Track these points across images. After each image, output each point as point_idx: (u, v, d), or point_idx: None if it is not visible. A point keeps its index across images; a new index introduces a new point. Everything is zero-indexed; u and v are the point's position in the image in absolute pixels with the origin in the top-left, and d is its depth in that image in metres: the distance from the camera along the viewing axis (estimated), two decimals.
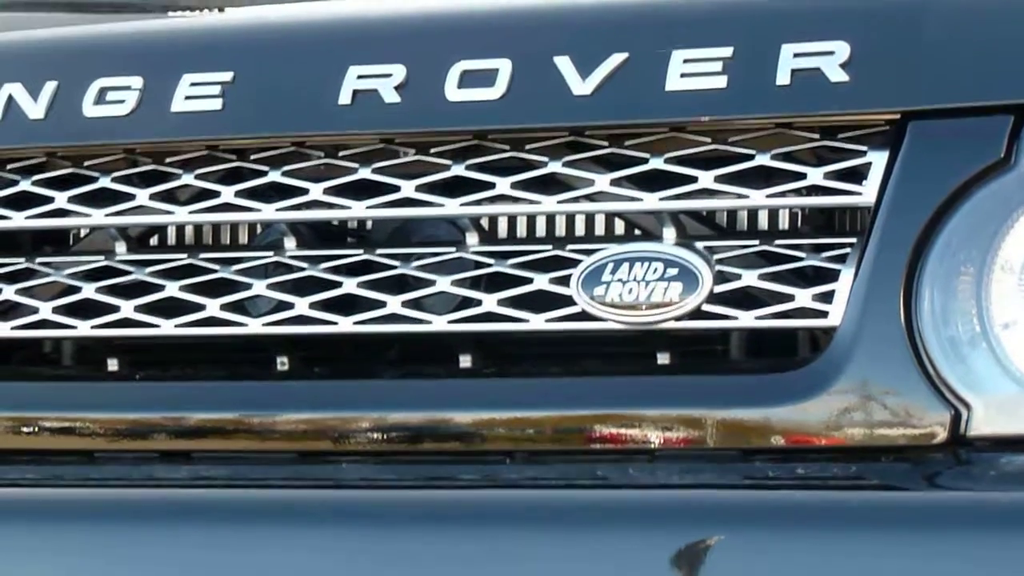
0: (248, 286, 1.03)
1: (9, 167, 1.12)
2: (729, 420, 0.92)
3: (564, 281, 0.96)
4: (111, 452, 1.07)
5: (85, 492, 1.05)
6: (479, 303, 0.97)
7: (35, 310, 1.07)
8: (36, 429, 1.08)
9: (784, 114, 0.94)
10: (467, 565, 0.87)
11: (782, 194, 0.96)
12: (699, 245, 0.95)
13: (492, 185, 0.98)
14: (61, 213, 1.08)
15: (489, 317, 0.97)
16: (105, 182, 1.08)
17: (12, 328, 1.08)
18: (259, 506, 0.99)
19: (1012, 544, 0.80)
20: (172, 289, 1.05)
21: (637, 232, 1.03)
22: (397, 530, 0.91)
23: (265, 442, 1.04)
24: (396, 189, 1.01)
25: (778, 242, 0.97)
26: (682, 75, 0.93)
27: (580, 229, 1.07)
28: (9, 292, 1.08)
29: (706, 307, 0.93)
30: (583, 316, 0.95)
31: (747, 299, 0.95)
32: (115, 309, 1.05)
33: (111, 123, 1.06)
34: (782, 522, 0.86)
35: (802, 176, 0.95)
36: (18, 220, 1.10)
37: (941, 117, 0.91)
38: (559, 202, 0.98)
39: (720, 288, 0.94)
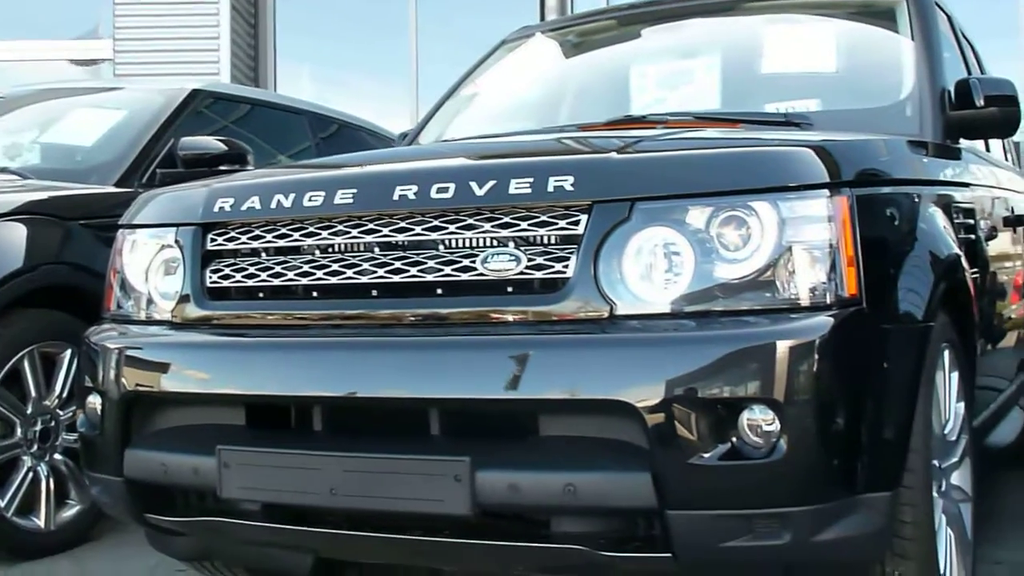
0: None
1: None
2: (528, 310, 2.35)
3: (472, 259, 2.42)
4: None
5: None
6: None
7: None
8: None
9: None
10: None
11: (556, 228, 2.41)
12: (518, 248, 2.39)
13: None
14: None
15: None
16: None
17: None
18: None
19: (617, 348, 2.25)
20: None
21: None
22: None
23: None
24: None
25: (553, 245, 2.42)
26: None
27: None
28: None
29: (527, 273, 2.39)
30: (477, 273, 2.41)
31: (541, 267, 2.38)
32: None
33: None
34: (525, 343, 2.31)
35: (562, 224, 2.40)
36: None
37: (602, 203, 2.34)
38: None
39: (531, 264, 2.39)
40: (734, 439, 2.16)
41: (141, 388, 2.67)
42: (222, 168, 4.45)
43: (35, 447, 3.88)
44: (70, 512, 3.98)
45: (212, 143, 4.64)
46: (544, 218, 2.36)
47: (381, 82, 10.22)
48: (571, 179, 2.34)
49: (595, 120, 3.59)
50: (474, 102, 4.51)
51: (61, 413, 3.96)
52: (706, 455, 2.15)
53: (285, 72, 9.95)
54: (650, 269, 2.30)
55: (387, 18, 9.83)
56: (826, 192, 2.27)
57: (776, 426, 2.14)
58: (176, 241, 2.77)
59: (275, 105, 5.95)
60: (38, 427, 3.88)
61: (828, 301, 2.23)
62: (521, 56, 4.59)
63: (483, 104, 4.52)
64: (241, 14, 9.14)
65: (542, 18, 9.12)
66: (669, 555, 2.19)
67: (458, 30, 9.64)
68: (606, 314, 2.29)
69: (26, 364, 3.84)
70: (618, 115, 3.63)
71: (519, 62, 4.59)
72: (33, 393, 3.87)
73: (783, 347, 2.16)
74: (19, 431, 3.84)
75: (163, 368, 2.66)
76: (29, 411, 3.87)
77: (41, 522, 3.89)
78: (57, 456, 3.95)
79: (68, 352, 3.93)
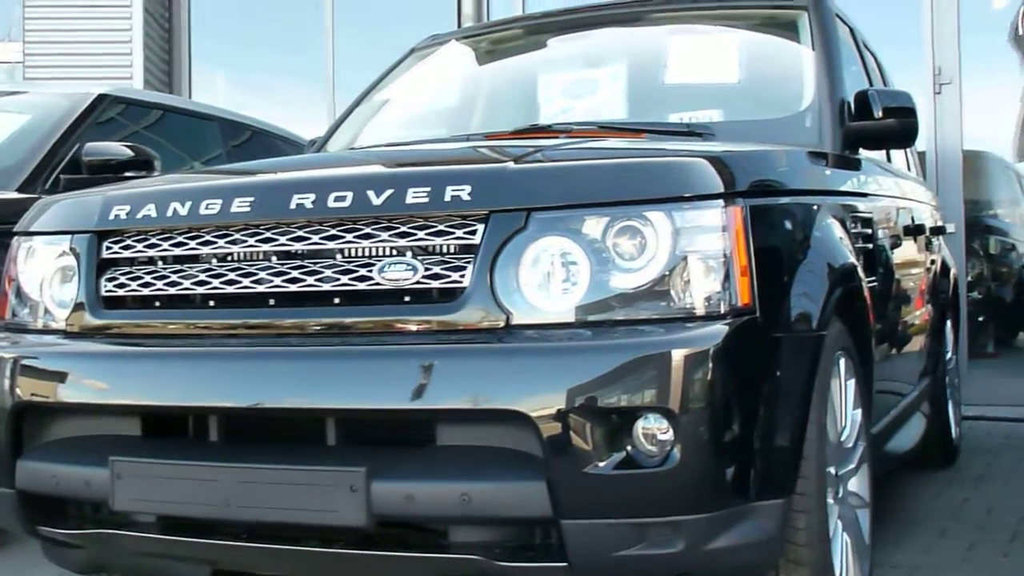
0: None
1: None
2: (426, 319, 2.35)
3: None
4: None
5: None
6: None
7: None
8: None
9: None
10: None
11: (453, 238, 2.41)
12: (415, 257, 2.38)
13: None
14: None
15: None
16: None
17: None
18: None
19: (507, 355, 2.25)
20: None
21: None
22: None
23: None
24: None
25: (450, 255, 2.41)
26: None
27: None
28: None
29: (424, 282, 2.38)
30: (374, 282, 2.40)
31: (438, 276, 2.37)
32: None
33: None
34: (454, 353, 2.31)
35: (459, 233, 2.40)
36: None
37: (499, 212, 2.36)
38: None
39: (428, 273, 2.38)
40: (629, 448, 2.18)
41: (34, 398, 2.63)
42: (128, 175, 4.38)
43: None
44: None
45: (118, 149, 4.58)
46: (441, 227, 2.36)
47: (298, 86, 10.14)
48: (468, 188, 2.34)
49: (503, 129, 3.59)
50: (385, 109, 4.49)
51: None
52: (601, 464, 2.16)
53: (200, 76, 9.82)
54: (547, 279, 2.31)
55: (304, 21, 9.75)
56: (721, 202, 2.30)
57: (670, 435, 2.16)
58: (71, 248, 2.72)
59: (185, 111, 5.87)
60: None
61: (722, 310, 2.25)
62: (432, 63, 4.59)
63: (394, 111, 4.51)
64: (154, 17, 9.02)
65: (458, 26, 9.12)
66: (564, 564, 2.20)
67: (376, 35, 9.60)
68: (502, 323, 2.29)
69: None
70: (525, 124, 3.63)
71: (431, 69, 4.59)
72: None
73: (677, 356, 2.18)
74: None
75: (57, 377, 2.62)
76: None
77: None
78: None
79: None
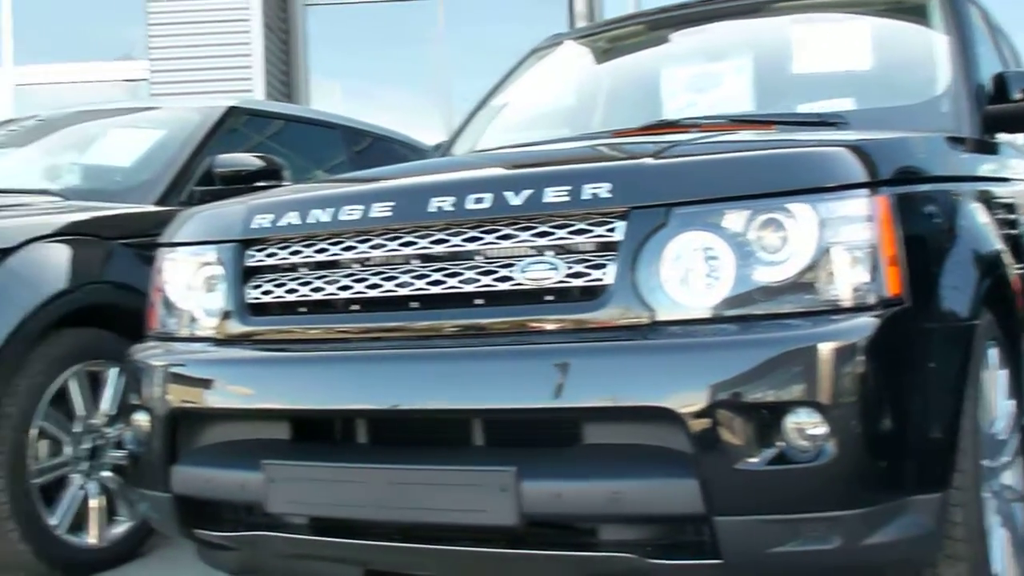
0: None
1: None
2: (567, 318, 2.34)
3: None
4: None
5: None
6: None
7: None
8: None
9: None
10: None
11: (593, 236, 2.40)
12: (556, 256, 2.38)
13: None
14: None
15: None
16: None
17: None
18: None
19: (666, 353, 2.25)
20: None
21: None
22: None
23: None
24: None
25: (590, 253, 2.40)
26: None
27: None
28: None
29: (566, 281, 2.38)
30: (516, 282, 2.42)
31: (579, 275, 2.35)
32: None
33: None
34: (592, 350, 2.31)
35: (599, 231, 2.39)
36: None
37: (639, 209, 2.34)
38: None
39: (570, 272, 2.39)
40: (780, 443, 2.15)
41: (186, 405, 2.69)
42: (258, 184, 4.47)
43: (84, 465, 3.91)
44: (120, 529, 4.01)
45: (248, 159, 4.67)
46: (581, 226, 2.36)
47: (413, 93, 10.25)
48: (608, 186, 2.34)
49: (628, 126, 3.58)
50: (506, 111, 4.52)
51: (108, 431, 3.99)
52: (753, 460, 2.14)
53: (318, 86, 10.00)
54: (689, 274, 2.29)
55: (416, 29, 9.86)
56: (866, 192, 2.26)
57: (822, 429, 2.13)
58: (216, 258, 2.79)
59: (309, 120, 5.98)
60: (86, 445, 3.92)
61: (871, 301, 2.21)
62: (552, 64, 4.60)
63: (515, 113, 4.53)
64: (273, 30, 9.20)
65: (571, 25, 9.12)
66: (718, 561, 2.18)
67: (488, 39, 9.65)
68: (646, 320, 2.28)
69: (73, 383, 3.87)
70: (651, 120, 3.62)
71: (550, 70, 4.60)
72: (80, 412, 3.91)
73: (827, 349, 2.14)
74: (68, 449, 3.87)
75: (208, 384, 2.68)
76: (77, 430, 3.90)
77: (92, 539, 3.92)
78: (105, 473, 3.98)
79: (113, 371, 3.96)
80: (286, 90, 9.54)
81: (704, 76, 4.10)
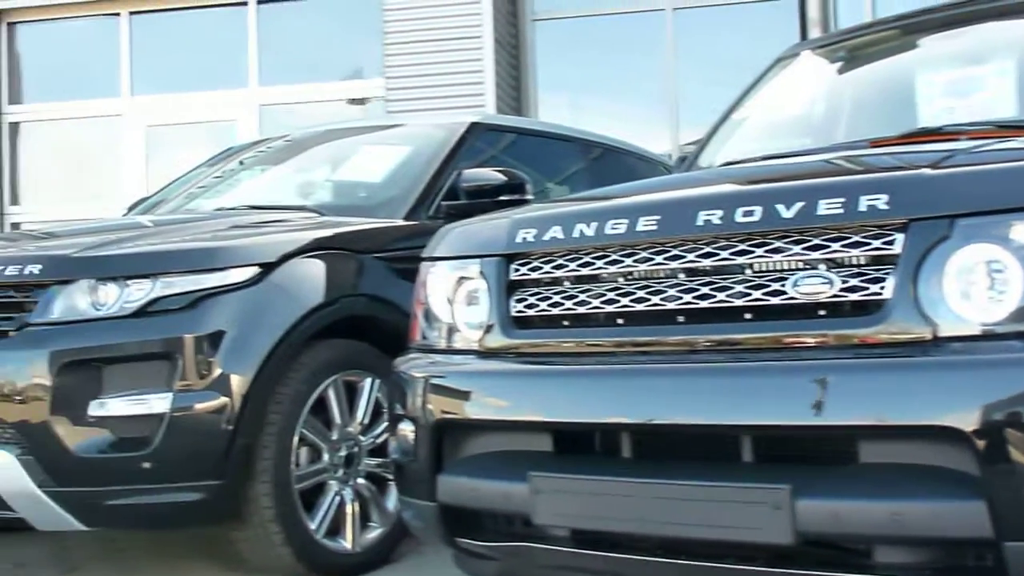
0: None
1: None
2: (840, 333, 2.29)
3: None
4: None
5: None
6: None
7: None
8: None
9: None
10: None
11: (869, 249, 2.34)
12: (829, 270, 2.34)
13: None
14: None
15: None
16: None
17: None
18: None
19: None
20: None
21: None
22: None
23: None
24: None
25: (866, 266, 2.35)
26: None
27: None
28: None
29: (840, 295, 2.33)
30: (788, 296, 2.37)
31: (855, 289, 2.31)
32: None
33: None
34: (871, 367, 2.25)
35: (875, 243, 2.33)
36: None
37: (920, 221, 2.26)
38: None
39: (845, 286, 2.33)
40: None
41: (451, 415, 2.75)
42: (502, 199, 4.55)
43: (340, 472, 4.06)
44: (373, 534, 4.14)
45: (492, 175, 4.77)
46: (856, 238, 2.30)
47: (639, 104, 10.25)
48: (885, 197, 2.28)
49: (877, 134, 3.48)
50: (748, 122, 4.45)
51: (363, 439, 4.12)
52: None
53: (545, 99, 10.12)
54: (972, 288, 2.20)
55: (644, 41, 9.85)
56: None
57: None
58: (479, 272, 2.84)
59: (545, 133, 6.05)
60: (343, 453, 4.06)
61: None
62: (792, 74, 4.51)
63: (756, 124, 4.46)
64: (503, 45, 9.36)
65: (803, 33, 8.94)
66: None
67: (717, 49, 9.56)
68: (928, 336, 2.21)
69: (331, 392, 4.02)
70: (908, 128, 3.50)
71: (790, 80, 4.51)
72: (338, 420, 4.05)
73: None
74: (326, 456, 4.02)
75: (473, 396, 2.74)
76: (335, 437, 4.05)
77: (348, 544, 4.05)
78: (360, 480, 4.12)
79: (368, 380, 4.09)
80: (516, 104, 9.68)
81: (963, 80, 3.94)
